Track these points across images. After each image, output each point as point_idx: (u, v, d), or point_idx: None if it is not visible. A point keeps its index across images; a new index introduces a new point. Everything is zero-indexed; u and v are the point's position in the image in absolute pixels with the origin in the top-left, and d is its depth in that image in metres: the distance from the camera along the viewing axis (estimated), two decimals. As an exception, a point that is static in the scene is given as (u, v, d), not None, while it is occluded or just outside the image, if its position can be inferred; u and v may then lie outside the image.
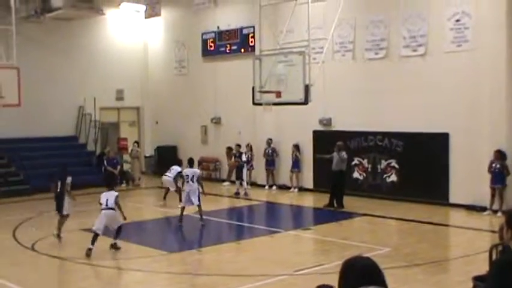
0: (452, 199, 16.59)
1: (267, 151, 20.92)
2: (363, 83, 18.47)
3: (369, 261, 3.10)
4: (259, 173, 21.38)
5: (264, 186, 21.03)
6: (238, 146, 20.61)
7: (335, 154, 16.82)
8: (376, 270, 3.05)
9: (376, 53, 18.16)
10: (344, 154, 16.83)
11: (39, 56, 22.65)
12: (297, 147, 20.10)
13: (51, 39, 23.16)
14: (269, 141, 20.82)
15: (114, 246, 12.23)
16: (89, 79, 24.00)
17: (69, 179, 13.30)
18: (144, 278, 10.82)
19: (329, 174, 17.22)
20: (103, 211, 12.12)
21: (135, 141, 23.94)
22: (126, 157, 23.60)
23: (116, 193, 12.32)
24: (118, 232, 12.23)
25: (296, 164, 20.15)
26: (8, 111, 20.10)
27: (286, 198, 19.38)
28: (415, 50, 17.23)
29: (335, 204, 16.81)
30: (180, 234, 14.99)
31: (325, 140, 18.93)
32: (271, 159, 20.87)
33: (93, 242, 11.77)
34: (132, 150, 23.52)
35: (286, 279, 10.24)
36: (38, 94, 22.38)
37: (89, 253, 11.62)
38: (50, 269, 11.33)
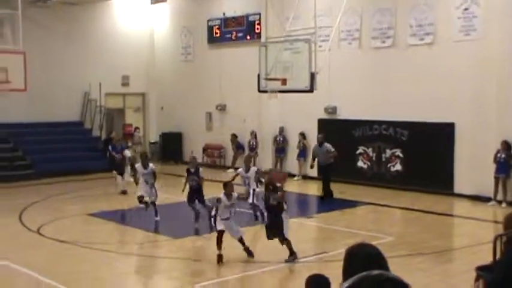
0: (457, 189, 16.56)
1: (277, 139, 21.03)
2: (369, 72, 18.40)
3: (372, 249, 3.10)
4: (265, 161, 21.37)
5: (270, 173, 21.06)
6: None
7: (317, 149, 16.64)
8: (380, 258, 3.05)
9: (383, 42, 18.07)
10: (328, 146, 16.45)
11: (45, 40, 22.62)
12: (303, 135, 20.11)
13: (58, 24, 23.10)
14: (280, 129, 20.92)
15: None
16: (94, 64, 23.96)
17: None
18: (144, 262, 10.89)
19: (320, 169, 17.25)
20: None
21: (136, 127, 24.12)
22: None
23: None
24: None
25: (303, 153, 20.17)
26: (14, 96, 20.13)
27: (290, 186, 19.34)
28: (422, 39, 17.13)
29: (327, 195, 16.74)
30: (186, 220, 15.01)
31: (330, 128, 18.90)
32: (281, 146, 21.01)
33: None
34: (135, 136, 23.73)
35: (290, 267, 10.28)
36: (44, 79, 22.39)
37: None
38: (54, 252, 11.41)
